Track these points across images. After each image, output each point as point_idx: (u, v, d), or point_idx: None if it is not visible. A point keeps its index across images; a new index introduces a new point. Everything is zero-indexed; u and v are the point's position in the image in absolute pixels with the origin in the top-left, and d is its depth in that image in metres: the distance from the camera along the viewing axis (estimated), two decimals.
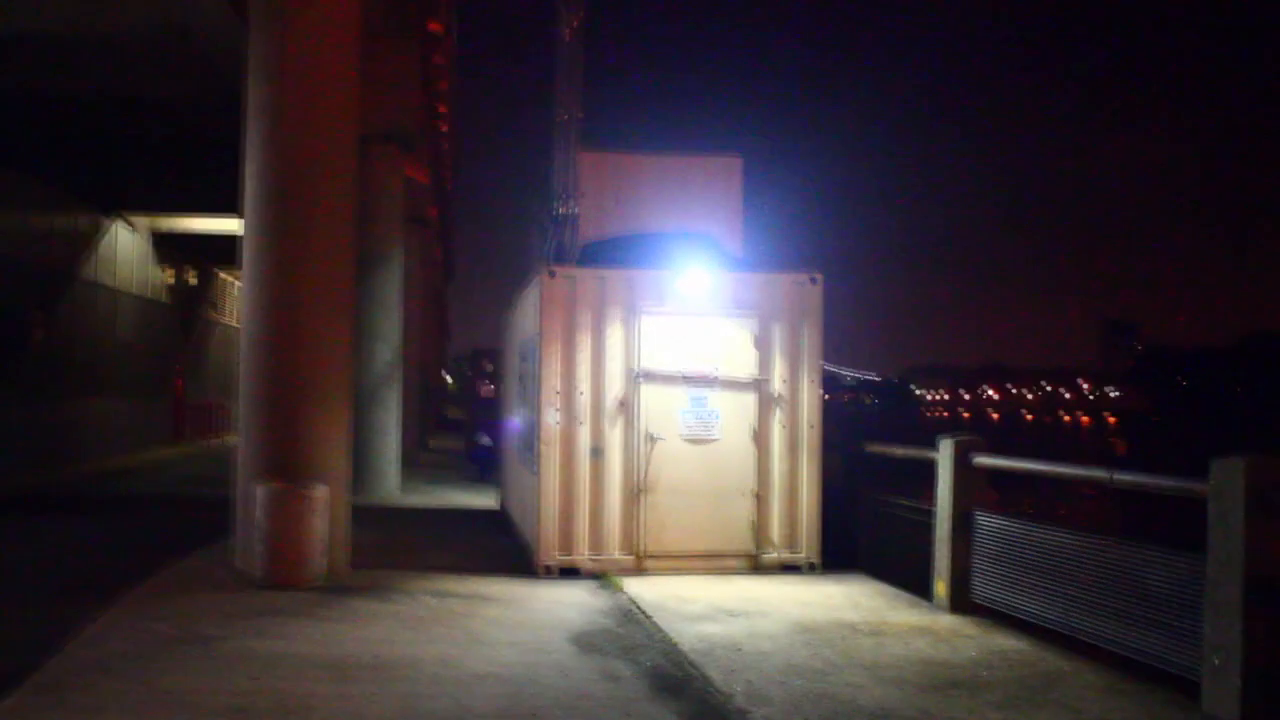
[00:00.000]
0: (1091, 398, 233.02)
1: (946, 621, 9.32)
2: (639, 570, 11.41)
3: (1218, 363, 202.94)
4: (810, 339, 11.84)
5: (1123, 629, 7.51)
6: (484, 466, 23.49)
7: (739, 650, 8.22)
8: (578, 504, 11.42)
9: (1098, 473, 8.34)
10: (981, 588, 9.43)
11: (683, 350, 11.62)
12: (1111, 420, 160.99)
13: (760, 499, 11.63)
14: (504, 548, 13.52)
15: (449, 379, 78.92)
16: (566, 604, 10.03)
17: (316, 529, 10.70)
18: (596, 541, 11.44)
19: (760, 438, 11.67)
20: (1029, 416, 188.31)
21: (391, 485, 20.64)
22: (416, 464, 27.68)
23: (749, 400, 11.69)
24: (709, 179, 14.03)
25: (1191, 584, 6.87)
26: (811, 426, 11.80)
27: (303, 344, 11.11)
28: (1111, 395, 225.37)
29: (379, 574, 11.34)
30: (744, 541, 11.60)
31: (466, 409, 43.86)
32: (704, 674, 7.58)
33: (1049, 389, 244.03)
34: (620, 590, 10.63)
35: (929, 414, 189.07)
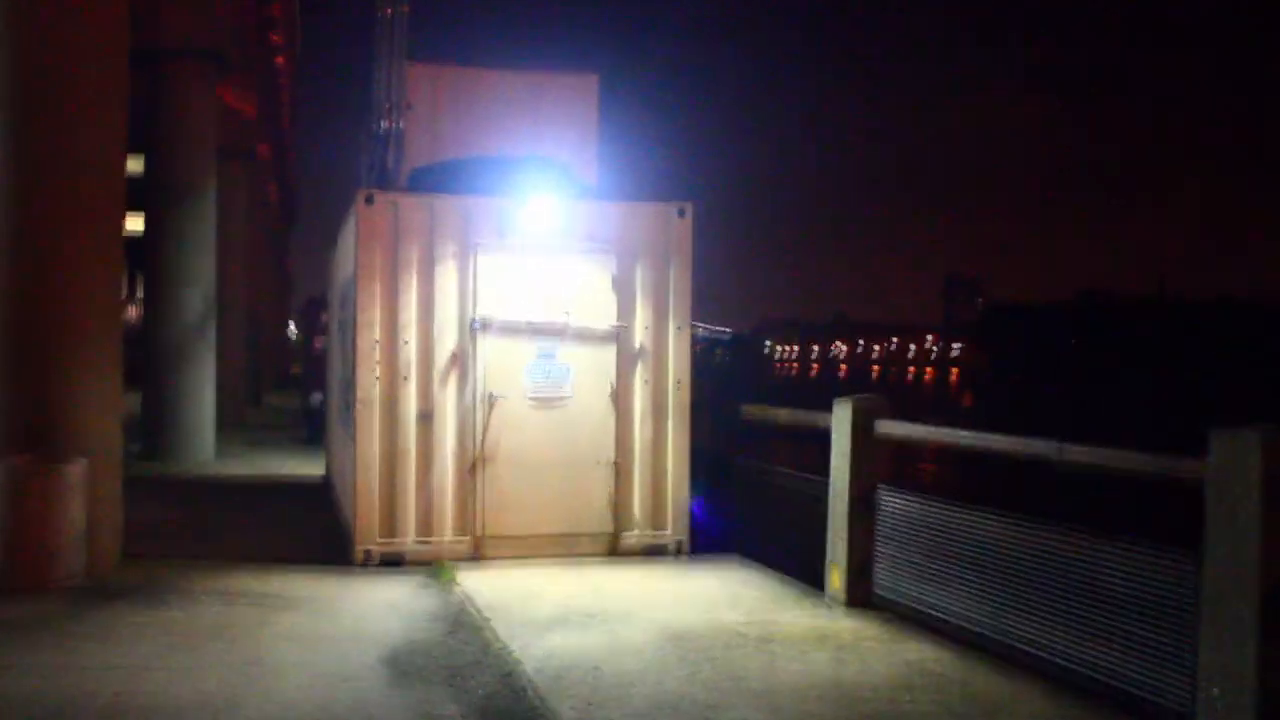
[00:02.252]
0: (933, 353, 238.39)
1: (846, 623, 7.72)
2: (477, 556, 9.58)
3: (1056, 318, 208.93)
4: (678, 280, 10.09)
5: (1077, 641, 5.98)
6: (315, 428, 21.29)
7: (597, 671, 6.47)
8: (403, 478, 9.50)
9: (1039, 445, 6.74)
10: (886, 579, 7.86)
11: (528, 294, 9.76)
12: (954, 373, 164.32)
13: (620, 470, 9.88)
14: (322, 527, 11.48)
15: (294, 331, 75.22)
16: (385, 606, 8.14)
17: (71, 514, 8.58)
18: (426, 523, 9.55)
19: (620, 398, 9.91)
20: (876, 369, 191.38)
21: (204, 452, 18.29)
22: (244, 425, 25.21)
23: (607, 353, 9.90)
24: (561, 99, 12.23)
25: (1175, 591, 5.37)
26: (679, 384, 10.08)
27: (51, 286, 8.87)
28: (954, 350, 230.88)
29: (158, 567, 9.28)
30: (601, 520, 9.85)
31: (302, 364, 41.11)
32: (553, 711, 5.81)
33: (897, 344, 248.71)
34: (453, 584, 8.79)
35: (779, 368, 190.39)
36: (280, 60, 41.72)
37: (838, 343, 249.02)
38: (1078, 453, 6.13)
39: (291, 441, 22.34)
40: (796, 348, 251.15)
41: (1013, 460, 7.17)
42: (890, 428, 8.02)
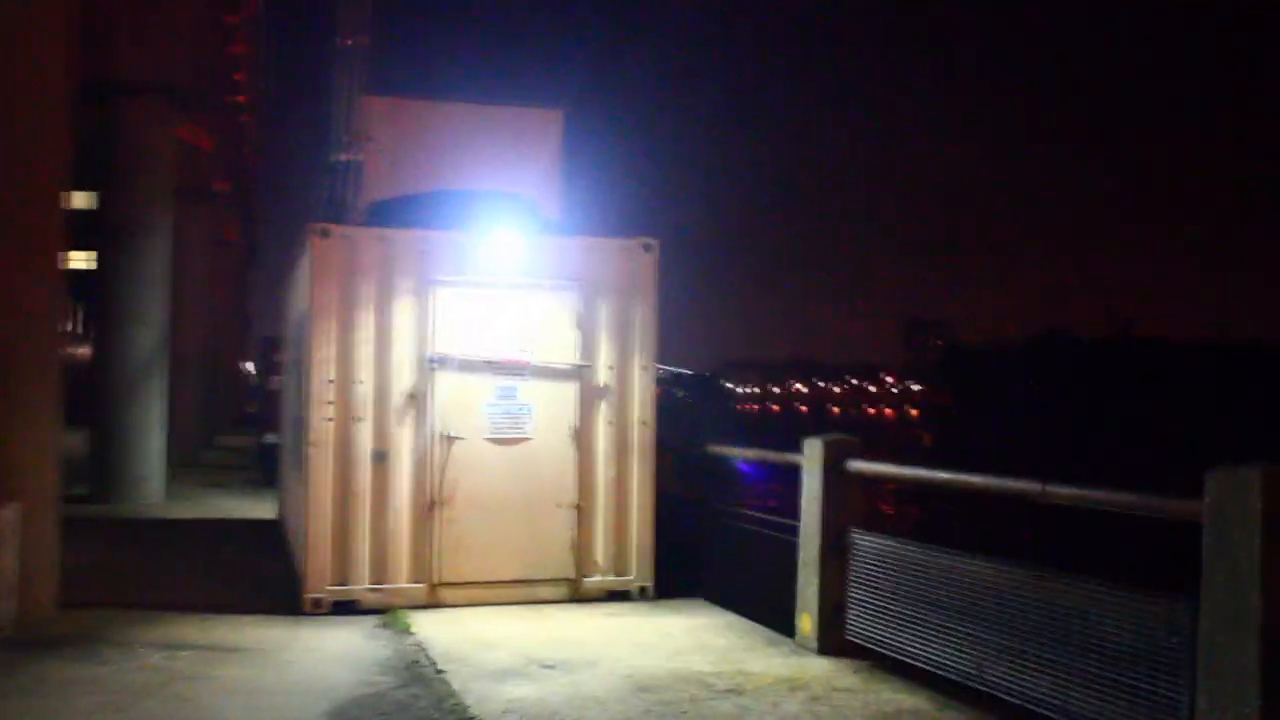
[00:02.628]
0: (895, 392, 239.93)
1: (818, 668, 7.41)
2: (433, 602, 9.20)
3: (1013, 360, 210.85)
4: (643, 317, 9.82)
5: (1064, 691, 5.70)
6: (270, 469, 20.78)
7: None
8: (356, 521, 9.12)
9: (1021, 484, 6.46)
10: (859, 624, 7.56)
11: (487, 330, 9.45)
12: (914, 413, 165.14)
13: (582, 512, 9.55)
14: (273, 572, 11.04)
15: (253, 371, 74.26)
16: (334, 656, 7.74)
17: (1, 560, 8.13)
18: (380, 567, 9.17)
19: (582, 437, 9.60)
20: (835, 410, 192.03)
21: (153, 493, 17.74)
22: (198, 465, 24.65)
23: (569, 391, 9.60)
24: (524, 133, 11.95)
25: (1170, 637, 5.10)
26: (644, 424, 9.78)
27: None
28: (914, 390, 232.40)
29: (96, 616, 8.82)
30: (562, 564, 9.51)
31: (258, 403, 40.47)
32: None
33: (855, 383, 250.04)
34: (407, 631, 8.41)
35: (739, 407, 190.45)
36: (243, 99, 41.46)
37: (797, 384, 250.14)
38: (1063, 493, 5.87)
39: (245, 483, 21.80)
40: (757, 388, 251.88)
41: (987, 500, 6.95)
42: (863, 466, 7.75)
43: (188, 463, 23.73)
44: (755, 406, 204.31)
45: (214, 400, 33.23)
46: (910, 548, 7.10)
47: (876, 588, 7.41)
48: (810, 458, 7.99)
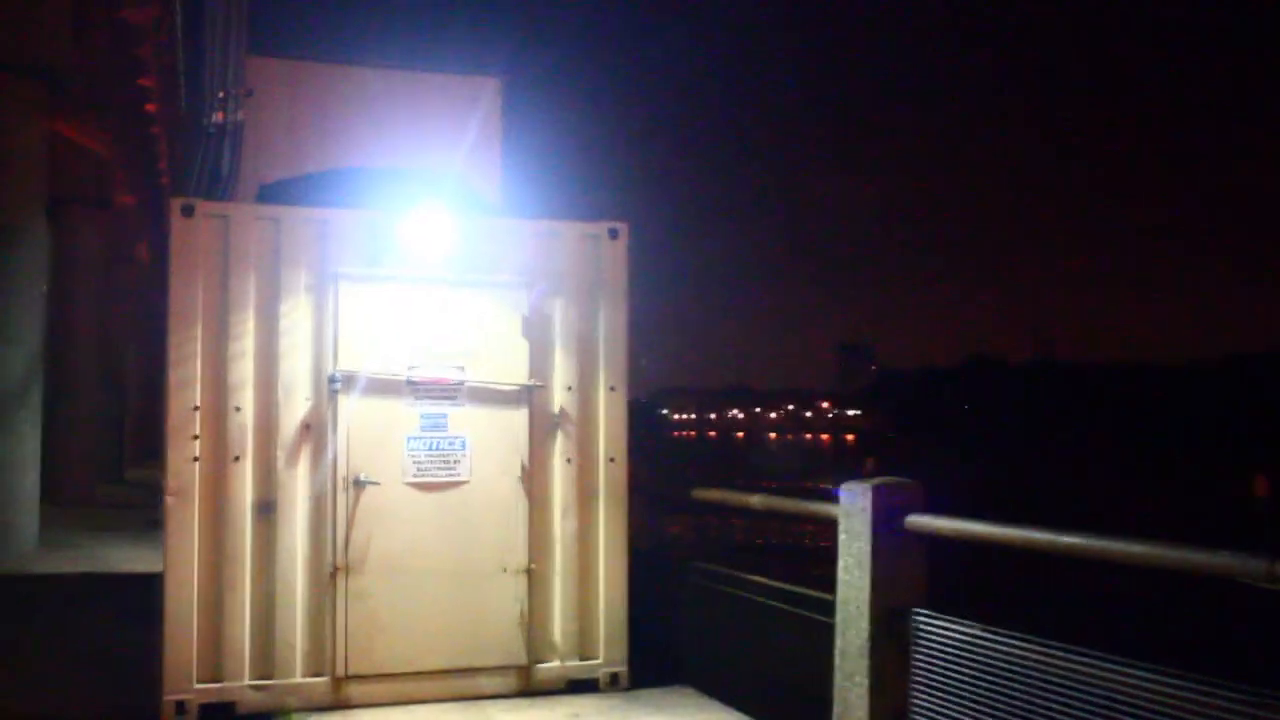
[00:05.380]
0: (830, 417, 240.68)
1: None
2: (338, 703, 6.91)
3: (945, 384, 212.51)
4: (610, 323, 7.63)
5: None
6: None
7: None
8: (233, 595, 6.82)
9: (1138, 548, 4.46)
10: None
11: (409, 341, 7.21)
12: (850, 438, 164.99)
13: (535, 578, 7.32)
14: (143, 653, 8.60)
15: None
16: None
17: None
18: (266, 657, 6.86)
19: (534, 480, 7.37)
20: (773, 436, 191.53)
21: (22, 543, 15.12)
22: (93, 505, 21.92)
23: (516, 420, 7.37)
24: (455, 104, 9.86)
25: None
26: (613, 460, 7.58)
27: None
28: (850, 415, 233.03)
29: None
30: (510, 647, 7.25)
31: None
32: None
33: (791, 410, 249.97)
34: None
35: (675, 434, 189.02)
36: (152, 108, 38.70)
37: (731, 409, 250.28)
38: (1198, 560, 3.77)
39: (144, 525, 19.07)
40: (693, 414, 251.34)
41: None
42: (933, 523, 5.60)
43: (81, 501, 21.07)
44: (692, 433, 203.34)
45: (123, 431, 30.45)
46: (1016, 642, 4.96)
47: (956, 694, 5.26)
48: (851, 509, 5.83)
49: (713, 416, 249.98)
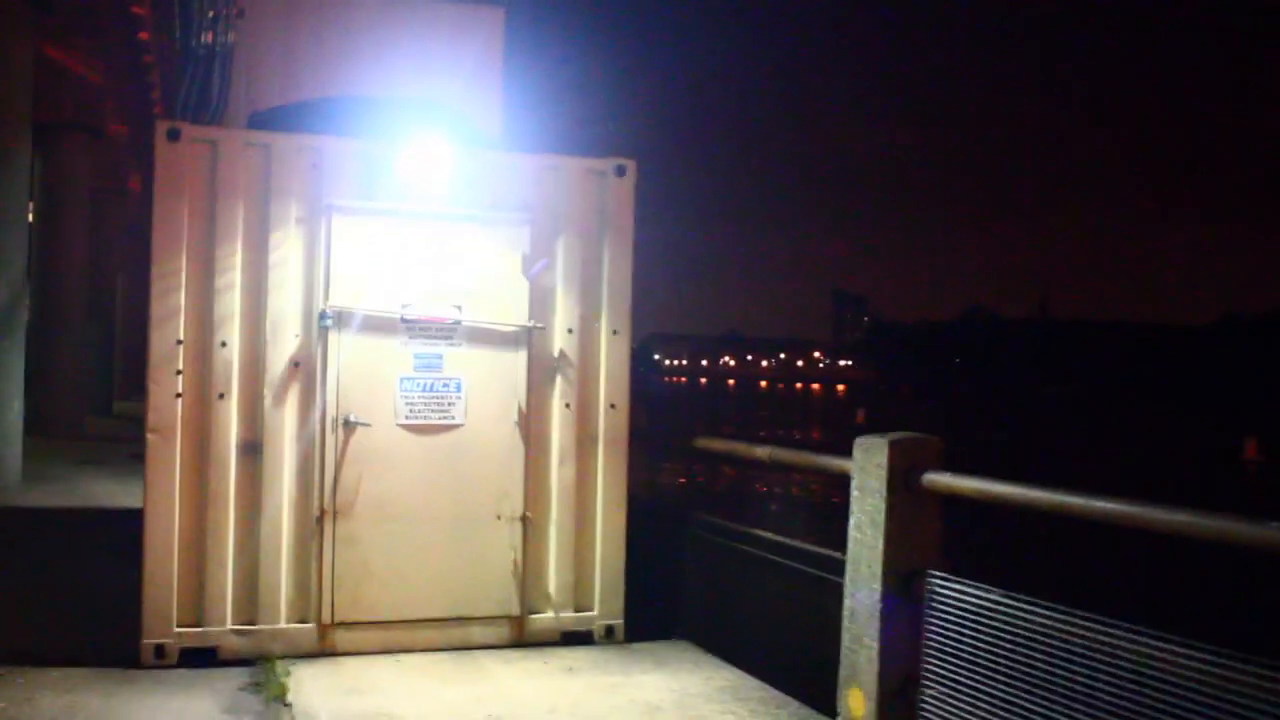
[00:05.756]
0: (822, 367, 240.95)
1: None
2: (324, 650, 6.68)
3: (940, 336, 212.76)
4: (614, 264, 7.31)
5: None
6: None
7: None
8: (216, 538, 6.56)
9: (1182, 517, 4.19)
10: (941, 710, 5.18)
11: (403, 277, 6.90)
12: (840, 389, 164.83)
13: (530, 526, 7.06)
14: (124, 593, 8.36)
15: None
16: None
17: None
18: (249, 602, 6.62)
19: (531, 425, 7.10)
20: (764, 384, 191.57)
21: (6, 474, 14.84)
22: (81, 438, 21.62)
23: (514, 362, 7.08)
24: (457, 33, 9.48)
25: None
26: (614, 407, 7.30)
27: None
28: (842, 365, 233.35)
29: None
30: (503, 597, 7.02)
31: None
32: None
33: (784, 358, 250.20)
34: (282, 701, 5.89)
35: (667, 379, 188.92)
36: (145, 36, 37.99)
37: (724, 356, 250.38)
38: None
39: (131, 458, 18.81)
40: (685, 361, 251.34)
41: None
42: (951, 481, 5.33)
43: (68, 434, 20.75)
44: (684, 379, 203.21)
45: (115, 362, 30.07)
46: (1038, 609, 4.70)
47: (970, 661, 5.02)
48: (865, 465, 5.56)
49: (705, 364, 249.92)
